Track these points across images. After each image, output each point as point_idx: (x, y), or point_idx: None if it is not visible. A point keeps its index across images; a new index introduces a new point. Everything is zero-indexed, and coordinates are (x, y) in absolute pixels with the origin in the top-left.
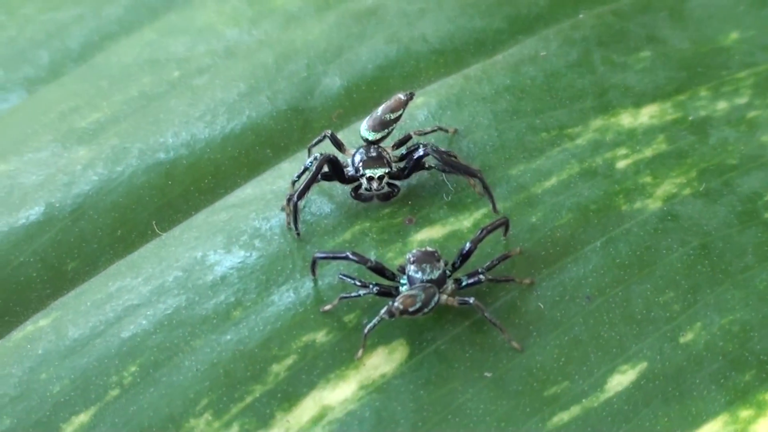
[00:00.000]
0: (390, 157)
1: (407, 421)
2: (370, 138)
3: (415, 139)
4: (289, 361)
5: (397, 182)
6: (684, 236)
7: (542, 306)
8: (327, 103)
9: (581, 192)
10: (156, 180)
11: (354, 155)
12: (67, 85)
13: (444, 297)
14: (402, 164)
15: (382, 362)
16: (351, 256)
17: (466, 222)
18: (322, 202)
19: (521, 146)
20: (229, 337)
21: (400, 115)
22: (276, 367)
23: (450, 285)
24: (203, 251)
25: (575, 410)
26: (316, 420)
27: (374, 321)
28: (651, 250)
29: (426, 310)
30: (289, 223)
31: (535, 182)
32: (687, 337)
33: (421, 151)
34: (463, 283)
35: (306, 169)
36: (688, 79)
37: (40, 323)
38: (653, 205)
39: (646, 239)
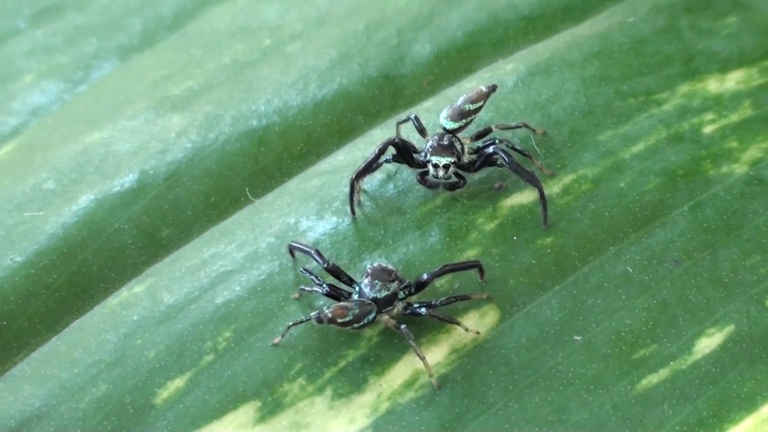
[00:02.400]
0: (462, 148)
1: (498, 385)
2: (447, 127)
3: (495, 133)
4: (381, 325)
5: (465, 174)
6: None
7: (630, 270)
8: (417, 70)
9: (668, 157)
10: (249, 147)
11: (428, 141)
12: (160, 53)
13: (385, 317)
14: (474, 157)
15: (473, 326)
16: (314, 254)
17: (555, 188)
18: (413, 169)
19: (609, 112)
20: (322, 302)
21: (481, 107)
22: (369, 332)
23: (398, 307)
24: (296, 217)
25: (664, 373)
26: (409, 384)
27: (301, 318)
28: (738, 214)
29: (357, 325)
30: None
31: (623, 147)
32: None
33: (491, 149)
34: (412, 310)
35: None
36: None
37: (135, 290)
38: (740, 169)
39: (732, 203)
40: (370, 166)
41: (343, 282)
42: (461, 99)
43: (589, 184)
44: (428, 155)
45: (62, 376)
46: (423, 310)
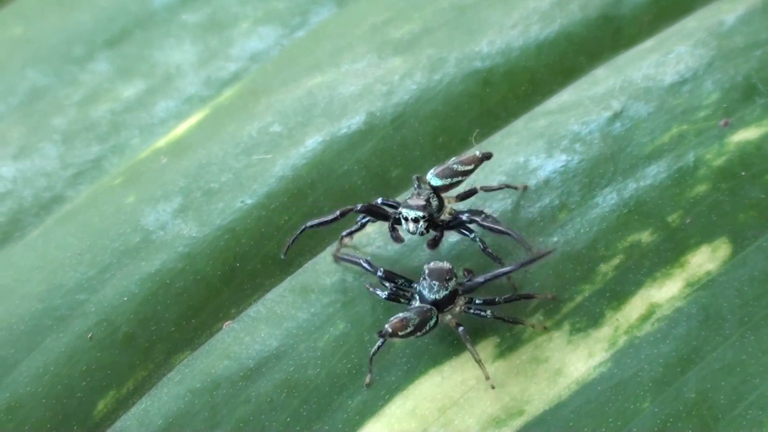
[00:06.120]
0: (439, 206)
1: (733, 317)
2: (432, 183)
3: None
4: (615, 260)
5: (438, 231)
6: None
7: None
8: (636, 11)
9: None
10: (474, 88)
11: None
12: None
13: (447, 317)
14: (448, 217)
15: (706, 260)
16: (363, 264)
17: None
18: (639, 105)
19: None
20: (555, 238)
21: (471, 171)
22: (603, 267)
23: (461, 304)
24: (525, 156)
25: None
26: (645, 318)
27: (376, 346)
28: None
29: (419, 333)
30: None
31: None
32: None
33: (464, 217)
34: (475, 309)
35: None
36: None
37: (367, 230)
38: None
39: None
40: (323, 224)
41: (401, 285)
42: (452, 159)
43: None
44: (400, 206)
45: (299, 316)
46: (485, 312)
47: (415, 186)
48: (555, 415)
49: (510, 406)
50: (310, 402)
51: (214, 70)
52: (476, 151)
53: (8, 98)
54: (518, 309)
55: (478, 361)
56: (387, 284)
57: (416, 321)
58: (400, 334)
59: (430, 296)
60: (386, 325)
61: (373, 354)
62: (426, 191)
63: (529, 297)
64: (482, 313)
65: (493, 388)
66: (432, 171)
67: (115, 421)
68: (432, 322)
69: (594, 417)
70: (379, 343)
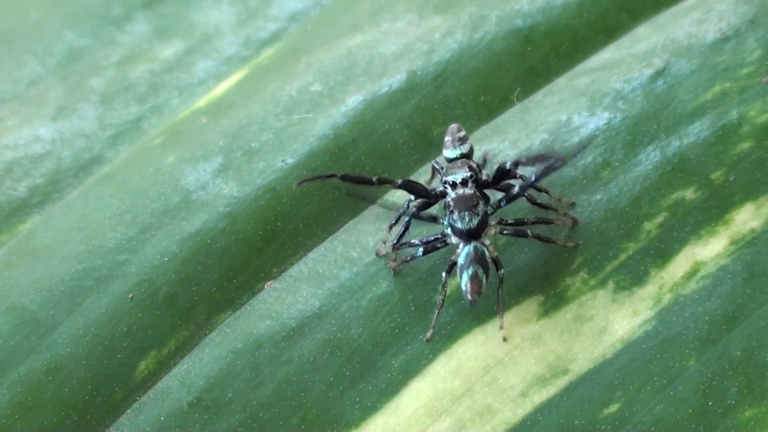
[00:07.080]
0: (477, 167)
1: None
2: (462, 152)
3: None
4: (659, 218)
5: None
6: None
7: None
8: None
9: None
10: (515, 46)
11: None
12: None
13: (487, 243)
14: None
15: (750, 218)
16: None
17: None
18: (681, 63)
19: None
20: (599, 196)
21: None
22: (647, 225)
23: (494, 226)
24: (567, 114)
25: None
26: (690, 275)
27: (440, 301)
28: None
29: (490, 271)
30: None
31: None
32: None
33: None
34: (506, 230)
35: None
36: None
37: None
38: None
39: None
40: (359, 182)
41: (428, 221)
42: (447, 137)
43: None
44: (443, 177)
45: (341, 275)
46: (526, 232)
47: (437, 168)
48: (600, 374)
49: (555, 364)
50: (353, 362)
51: (253, 30)
52: (453, 125)
53: (46, 59)
54: (562, 265)
55: (500, 309)
56: (417, 240)
57: (481, 270)
58: (482, 290)
59: (465, 226)
60: (468, 296)
61: (439, 309)
62: (459, 161)
63: (549, 222)
64: (520, 233)
65: (504, 340)
66: (447, 149)
67: (156, 382)
68: (487, 255)
69: (639, 375)
70: (441, 296)
